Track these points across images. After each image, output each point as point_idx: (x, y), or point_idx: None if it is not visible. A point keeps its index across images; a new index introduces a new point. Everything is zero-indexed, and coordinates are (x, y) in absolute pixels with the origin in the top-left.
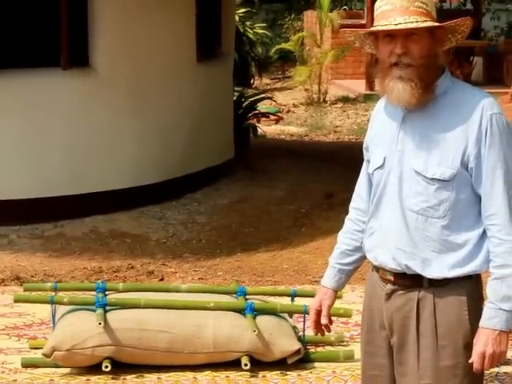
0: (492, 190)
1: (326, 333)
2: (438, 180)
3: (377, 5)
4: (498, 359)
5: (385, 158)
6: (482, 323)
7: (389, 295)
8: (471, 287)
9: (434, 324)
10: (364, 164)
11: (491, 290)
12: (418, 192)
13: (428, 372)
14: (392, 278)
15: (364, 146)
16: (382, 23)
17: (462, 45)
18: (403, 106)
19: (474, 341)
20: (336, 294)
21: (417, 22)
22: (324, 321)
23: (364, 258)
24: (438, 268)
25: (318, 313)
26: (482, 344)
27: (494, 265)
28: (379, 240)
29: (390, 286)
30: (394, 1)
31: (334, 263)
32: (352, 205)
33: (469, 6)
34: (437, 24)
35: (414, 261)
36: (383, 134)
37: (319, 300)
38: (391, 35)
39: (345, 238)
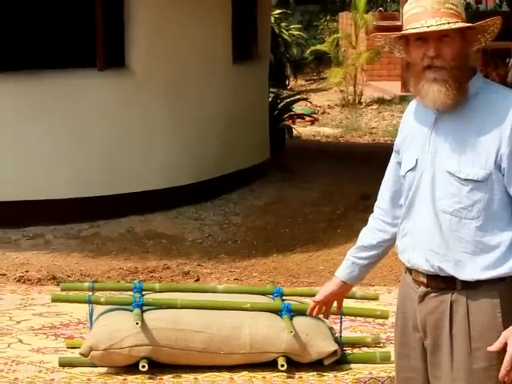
0: None
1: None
2: (472, 181)
3: (406, 8)
4: None
5: (417, 160)
6: None
7: (422, 297)
8: (505, 289)
9: (467, 326)
10: (390, 165)
11: None
12: (451, 193)
13: (461, 374)
14: (425, 280)
15: (395, 148)
16: (413, 26)
17: (498, 46)
18: (439, 107)
19: (505, 337)
20: (345, 285)
21: (448, 23)
22: (317, 298)
23: (379, 257)
24: (471, 270)
25: (320, 298)
26: None
27: None
28: (412, 242)
29: (422, 289)
30: (424, 3)
31: (349, 255)
32: (376, 203)
33: (505, 7)
34: (469, 25)
35: (446, 262)
36: (415, 136)
37: (325, 286)
38: (423, 38)
39: (364, 234)
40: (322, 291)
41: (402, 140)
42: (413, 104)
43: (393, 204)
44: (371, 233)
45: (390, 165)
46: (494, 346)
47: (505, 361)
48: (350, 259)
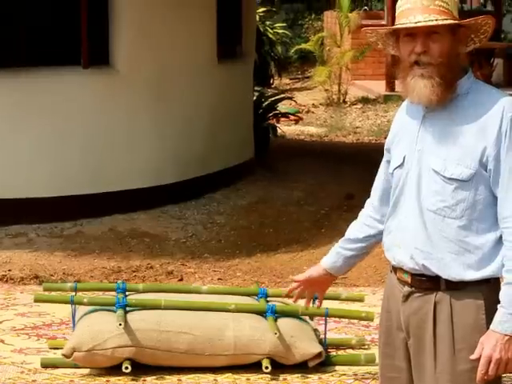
0: (508, 192)
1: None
2: (456, 180)
3: (398, 4)
4: (505, 366)
5: (404, 157)
6: (492, 326)
7: (406, 297)
8: (489, 291)
9: (451, 327)
10: (382, 163)
11: (503, 294)
12: (435, 191)
13: (445, 375)
14: (409, 280)
15: (385, 146)
16: (402, 22)
17: (483, 46)
18: (424, 103)
19: (482, 342)
20: (326, 274)
21: (437, 20)
22: (299, 277)
23: (364, 251)
24: (455, 269)
25: (301, 279)
26: (490, 347)
27: (505, 269)
28: (397, 239)
29: (407, 288)
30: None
31: (336, 245)
32: (368, 199)
33: (489, 7)
34: (456, 22)
35: (430, 260)
36: (404, 133)
37: (308, 270)
38: (412, 34)
39: (352, 227)
40: (305, 274)
41: (392, 138)
42: (404, 103)
43: (382, 202)
44: (359, 227)
45: (382, 163)
46: (475, 354)
47: (480, 364)
48: (335, 249)
